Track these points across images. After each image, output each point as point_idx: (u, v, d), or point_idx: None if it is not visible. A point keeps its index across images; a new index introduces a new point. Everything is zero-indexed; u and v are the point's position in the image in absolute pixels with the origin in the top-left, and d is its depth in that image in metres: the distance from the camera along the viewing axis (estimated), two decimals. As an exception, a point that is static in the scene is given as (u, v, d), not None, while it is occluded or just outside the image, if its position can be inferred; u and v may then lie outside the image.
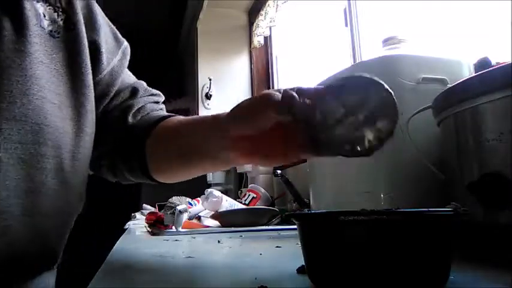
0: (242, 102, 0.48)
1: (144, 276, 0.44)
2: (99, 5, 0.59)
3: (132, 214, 1.56)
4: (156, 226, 0.97)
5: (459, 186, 0.52)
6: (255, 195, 1.45)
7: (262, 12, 2.50)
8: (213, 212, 1.16)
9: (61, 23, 0.51)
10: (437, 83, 0.69)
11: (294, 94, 0.43)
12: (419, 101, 0.63)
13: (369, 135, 0.43)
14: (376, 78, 0.42)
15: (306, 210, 0.84)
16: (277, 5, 2.31)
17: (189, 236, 0.86)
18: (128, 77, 0.66)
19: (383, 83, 0.42)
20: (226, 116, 0.50)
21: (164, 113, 0.66)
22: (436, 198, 0.59)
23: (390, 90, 0.42)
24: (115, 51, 0.61)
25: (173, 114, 0.64)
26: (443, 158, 0.59)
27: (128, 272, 0.48)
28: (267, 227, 1.02)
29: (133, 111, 0.62)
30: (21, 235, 0.44)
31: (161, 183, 0.63)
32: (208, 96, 2.72)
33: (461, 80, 0.54)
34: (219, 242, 0.73)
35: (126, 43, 0.64)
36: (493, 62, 0.64)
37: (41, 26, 0.48)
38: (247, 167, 1.79)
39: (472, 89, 0.49)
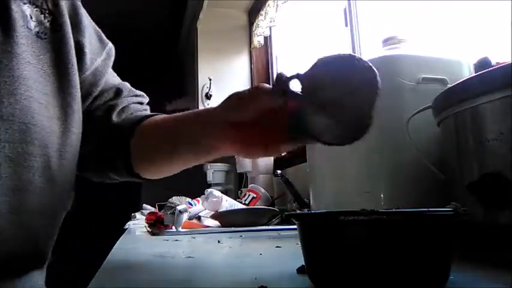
0: (232, 94, 0.51)
1: (144, 276, 0.44)
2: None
3: (132, 214, 1.56)
4: (156, 226, 0.97)
5: (459, 186, 0.52)
6: (255, 195, 1.45)
7: (262, 12, 2.50)
8: (213, 212, 1.16)
9: (48, 24, 0.52)
10: (437, 83, 0.69)
11: (287, 76, 0.46)
12: (419, 101, 0.63)
13: (351, 123, 0.44)
14: (367, 64, 0.44)
15: (306, 210, 0.84)
16: (277, 5, 2.31)
17: (189, 236, 0.86)
18: (112, 78, 0.66)
19: (373, 68, 0.44)
20: (218, 105, 0.53)
21: (148, 112, 0.67)
22: (436, 198, 0.59)
23: (378, 79, 0.43)
24: (99, 52, 0.62)
25: (157, 113, 0.65)
26: (443, 158, 0.59)
27: (128, 272, 0.48)
28: (267, 227, 1.02)
29: (117, 110, 0.63)
30: (8, 233, 0.45)
31: (150, 180, 0.64)
32: (208, 96, 2.72)
33: (461, 80, 0.54)
34: (219, 242, 0.73)
35: (110, 44, 0.65)
36: (493, 62, 0.64)
37: (27, 27, 0.49)
38: (248, 167, 1.78)
39: (472, 89, 0.49)
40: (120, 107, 0.63)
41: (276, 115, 0.49)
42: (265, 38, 2.73)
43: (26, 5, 0.50)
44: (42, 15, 0.52)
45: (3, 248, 0.45)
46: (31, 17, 0.50)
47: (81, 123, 0.56)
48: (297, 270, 0.40)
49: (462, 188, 0.50)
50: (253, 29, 2.72)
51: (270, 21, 2.43)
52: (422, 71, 0.69)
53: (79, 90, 0.55)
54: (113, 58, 0.65)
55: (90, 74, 0.60)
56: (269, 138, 0.50)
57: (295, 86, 0.46)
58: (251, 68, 2.86)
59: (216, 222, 1.06)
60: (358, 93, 0.44)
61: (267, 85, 0.48)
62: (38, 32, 0.50)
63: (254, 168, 1.76)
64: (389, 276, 0.31)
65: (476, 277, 0.38)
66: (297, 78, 0.46)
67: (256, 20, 2.63)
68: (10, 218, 0.45)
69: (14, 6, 0.47)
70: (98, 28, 0.64)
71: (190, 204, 1.26)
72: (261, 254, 0.56)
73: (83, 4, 0.59)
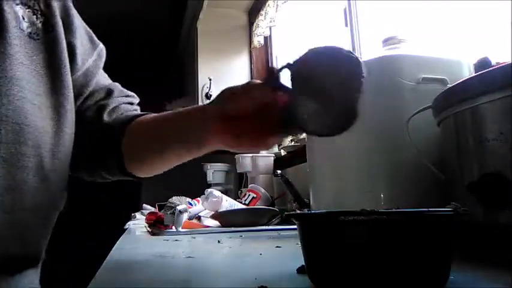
0: (225, 89, 0.53)
1: (144, 276, 0.44)
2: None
3: (132, 214, 1.56)
4: (156, 226, 0.97)
5: (459, 186, 0.52)
6: (255, 195, 1.45)
7: (262, 12, 2.50)
8: (213, 212, 1.15)
9: (40, 25, 0.52)
10: (437, 83, 0.69)
11: (278, 67, 0.48)
12: (419, 101, 0.63)
13: (340, 113, 0.46)
14: (354, 56, 0.46)
15: (306, 210, 0.84)
16: (277, 5, 2.31)
17: (189, 236, 0.86)
18: (103, 79, 0.67)
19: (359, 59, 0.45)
20: (210, 101, 0.55)
21: (138, 112, 0.68)
22: (436, 198, 0.59)
23: (364, 70, 0.45)
24: (90, 53, 0.62)
25: (148, 112, 0.65)
26: (443, 158, 0.59)
27: (128, 272, 0.48)
28: (267, 227, 1.02)
29: (108, 110, 0.63)
30: (1, 232, 0.46)
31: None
32: (208, 96, 2.72)
33: (461, 80, 0.54)
34: (219, 242, 0.73)
35: (101, 45, 0.66)
36: (493, 62, 0.65)
37: (20, 28, 0.49)
38: (248, 167, 1.78)
39: (472, 89, 0.49)
40: (110, 107, 0.64)
41: (267, 108, 0.50)
42: (265, 38, 2.73)
43: (19, 6, 0.50)
44: (35, 16, 0.52)
45: None
46: (23, 18, 0.50)
47: (74, 124, 0.56)
48: (297, 270, 0.40)
49: (462, 188, 0.50)
50: (253, 29, 2.72)
51: (270, 21, 2.43)
52: (422, 71, 0.69)
53: (72, 90, 0.56)
54: (103, 59, 0.66)
55: (82, 74, 0.60)
56: (259, 131, 0.52)
57: (286, 75, 0.47)
58: (251, 68, 2.86)
59: (216, 222, 1.06)
60: (347, 83, 0.45)
61: (259, 80, 0.50)
62: (30, 33, 0.50)
63: (254, 168, 1.76)
64: (390, 276, 0.31)
65: (476, 277, 0.38)
66: (288, 68, 0.48)
67: (256, 20, 2.63)
68: (3, 217, 0.46)
69: (7, 7, 0.48)
70: (88, 29, 0.64)
71: (190, 204, 1.26)
72: (261, 254, 0.56)
73: (78, 5, 0.59)
